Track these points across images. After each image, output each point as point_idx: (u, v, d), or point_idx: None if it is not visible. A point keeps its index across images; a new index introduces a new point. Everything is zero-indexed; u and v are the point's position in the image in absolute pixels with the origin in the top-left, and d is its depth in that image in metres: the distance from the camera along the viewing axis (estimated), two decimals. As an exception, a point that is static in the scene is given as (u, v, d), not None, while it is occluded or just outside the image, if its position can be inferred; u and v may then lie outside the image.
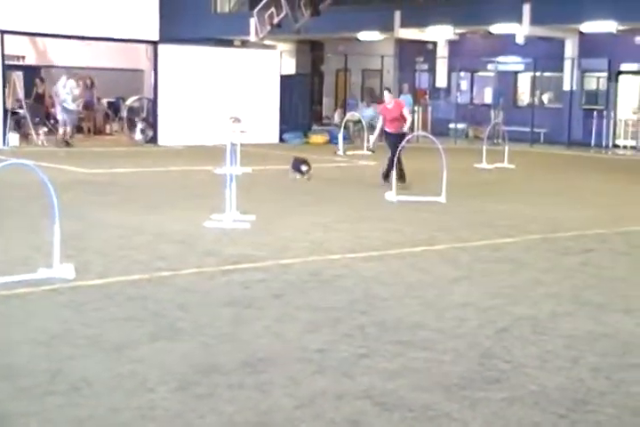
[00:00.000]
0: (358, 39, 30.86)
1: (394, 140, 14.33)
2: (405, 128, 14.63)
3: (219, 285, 7.27)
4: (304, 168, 15.04)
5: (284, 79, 25.74)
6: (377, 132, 15.06)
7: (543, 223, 10.99)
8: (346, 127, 22.84)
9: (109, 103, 27.34)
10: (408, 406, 4.53)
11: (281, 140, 24.97)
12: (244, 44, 30.45)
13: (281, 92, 25.27)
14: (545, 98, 29.05)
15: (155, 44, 23.60)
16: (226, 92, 23.49)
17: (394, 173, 13.13)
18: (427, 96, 30.18)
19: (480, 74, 30.49)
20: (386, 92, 15.22)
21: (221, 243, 9.19)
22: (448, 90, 30.56)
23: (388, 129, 14.67)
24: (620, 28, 25.45)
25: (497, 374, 5.11)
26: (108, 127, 26.73)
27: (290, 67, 32.20)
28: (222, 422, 4.30)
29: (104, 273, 7.57)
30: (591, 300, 7.00)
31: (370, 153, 21.30)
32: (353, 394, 4.69)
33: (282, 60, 26.27)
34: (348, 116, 23.61)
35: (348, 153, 20.99)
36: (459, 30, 28.88)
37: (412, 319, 6.28)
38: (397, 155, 13.53)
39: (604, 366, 5.30)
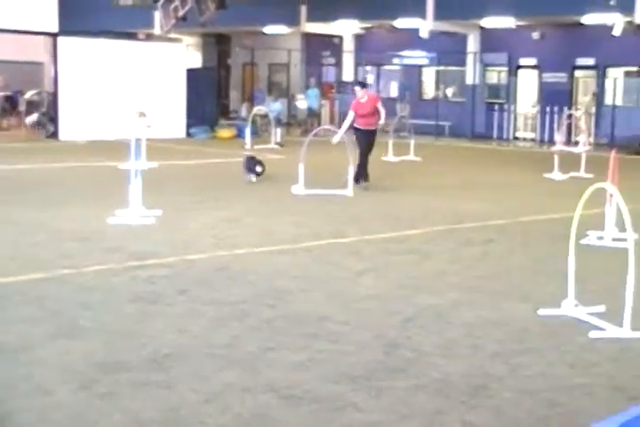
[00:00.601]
0: (265, 33, 30.82)
1: (366, 137, 13.67)
2: (379, 124, 13.92)
3: (123, 281, 7.17)
4: (259, 169, 14.18)
5: (191, 73, 25.50)
6: (344, 127, 13.87)
7: (447, 215, 11.22)
8: (253, 121, 22.78)
9: (6, 97, 26.55)
10: (314, 398, 4.57)
11: (188, 134, 24.74)
12: (149, 37, 30.01)
13: (187, 86, 25.03)
14: (449, 92, 29.63)
15: (54, 36, 23.01)
16: (130, 86, 23.11)
17: (351, 173, 12.94)
18: (333, 90, 30.38)
19: (386, 68, 30.89)
20: (357, 87, 14.20)
21: (126, 239, 9.06)
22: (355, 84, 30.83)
23: (359, 126, 13.72)
24: (519, 23, 26.16)
25: (402, 364, 5.20)
26: (4, 122, 25.96)
27: (196, 60, 31.94)
28: (127, 420, 4.25)
29: (1, 272, 7.36)
30: (492, 288, 7.20)
31: (278, 147, 21.31)
32: (259, 388, 4.70)
33: (188, 53, 26.03)
34: (256, 110, 23.56)
35: (256, 147, 20.94)
36: (364, 24, 29.16)
37: (318, 312, 6.33)
38: (366, 149, 13.25)
39: (503, 352, 5.46)
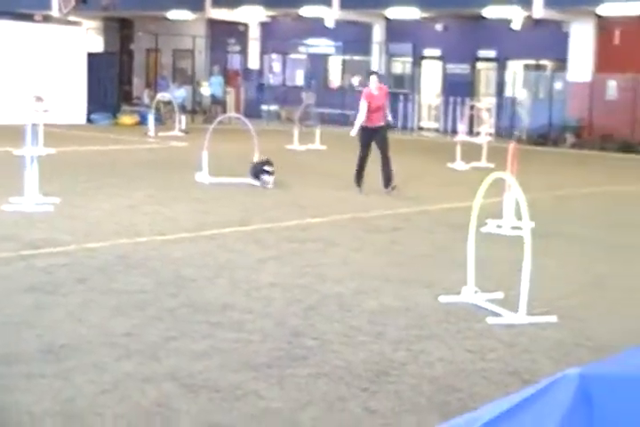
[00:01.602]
0: (169, 18, 30.31)
1: (374, 135, 12.21)
2: (388, 120, 12.71)
3: (17, 270, 6.93)
4: (269, 168, 12.31)
5: (92, 58, 24.85)
6: (359, 119, 12.22)
7: (353, 203, 11.27)
8: (157, 108, 22.40)
9: None
10: (215, 387, 4.52)
11: (88, 120, 24.13)
12: (46, 19, 29.07)
13: (88, 71, 24.38)
14: (355, 81, 29.78)
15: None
16: (27, 70, 22.36)
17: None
18: (239, 78, 30.15)
19: (292, 56, 30.80)
20: (373, 77, 12.55)
21: (21, 227, 8.76)
22: (260, 72, 30.67)
23: (367, 122, 12.17)
24: (423, 14, 26.47)
25: (304, 352, 5.19)
26: None
27: (97, 45, 31.14)
28: (20, 413, 4.11)
29: None
30: (396, 276, 7.27)
31: (182, 134, 21.02)
32: (159, 377, 4.62)
33: (88, 37, 25.35)
34: (159, 96, 23.17)
35: (160, 134, 20.61)
36: (270, 12, 28.99)
37: (221, 300, 6.26)
38: (367, 153, 12.17)
39: (405, 339, 5.52)
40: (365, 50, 27.93)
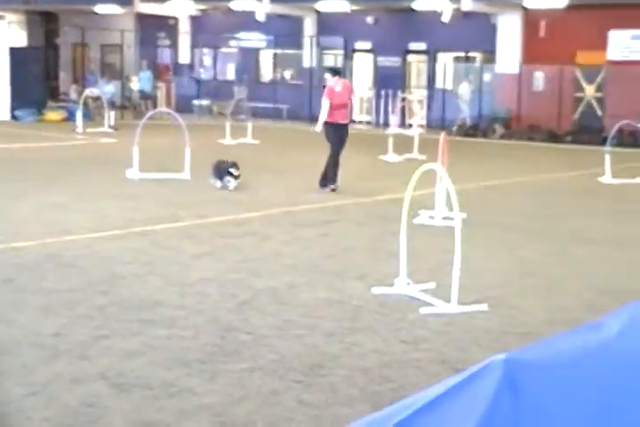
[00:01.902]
0: (96, 12, 29.79)
1: (340, 132, 11.99)
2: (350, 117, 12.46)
3: (-57, 272, 6.75)
4: (235, 172, 11.74)
5: (15, 52, 24.27)
6: (322, 117, 12.01)
7: (285, 197, 11.26)
8: (85, 104, 22.00)
9: None
10: (147, 385, 4.47)
11: (13, 117, 23.58)
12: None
13: (11, 66, 23.80)
14: (286, 74, 29.74)
15: None
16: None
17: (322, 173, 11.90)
18: (170, 72, 29.83)
19: (223, 50, 30.59)
20: (328, 74, 12.37)
21: (-54, 227, 8.54)
22: (191, 66, 30.39)
23: (332, 119, 11.91)
24: (353, 7, 26.56)
25: (237, 346, 5.17)
26: None
27: (21, 39, 30.45)
28: (-55, 418, 4.01)
29: None
30: (328, 269, 7.29)
31: (112, 130, 20.71)
32: (90, 377, 4.55)
33: (10, 31, 24.73)
34: (87, 92, 22.76)
35: (89, 131, 20.26)
36: (200, 6, 28.74)
37: (153, 297, 6.20)
38: (340, 150, 11.91)
39: (338, 331, 5.54)
40: (297, 43, 27.91)
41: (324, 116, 12.00)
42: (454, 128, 23.19)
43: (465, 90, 24.89)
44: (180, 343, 5.20)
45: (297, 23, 27.98)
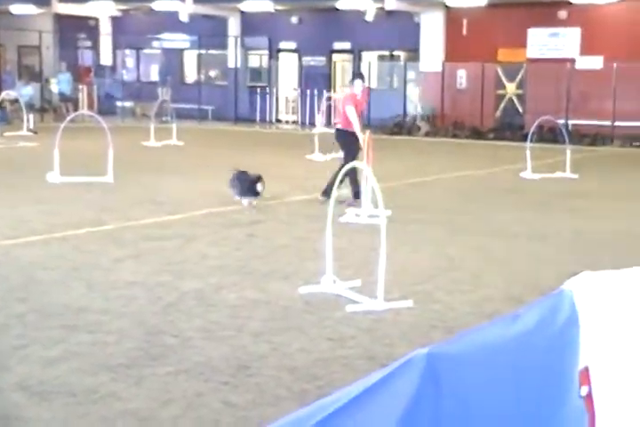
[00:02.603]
0: (12, 13, 29.10)
1: (358, 141, 10.93)
2: None
3: None
4: (260, 188, 10.49)
5: None
6: (357, 124, 10.98)
7: (211, 198, 11.17)
8: (2, 107, 21.47)
9: None
10: (70, 392, 4.39)
11: None
12: None
13: None
14: (211, 75, 29.57)
15: None
16: None
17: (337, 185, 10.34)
18: (91, 74, 29.35)
19: (146, 51, 30.24)
20: (359, 80, 11.31)
21: None
22: (114, 67, 29.96)
23: (349, 126, 11.02)
24: (278, 7, 26.55)
25: (163, 350, 5.11)
26: None
27: None
28: None
29: None
30: (255, 269, 7.26)
31: (31, 134, 20.26)
32: (9, 387, 4.44)
33: None
34: (4, 94, 22.21)
35: (7, 134, 19.77)
36: (121, 6, 28.36)
37: (76, 303, 6.08)
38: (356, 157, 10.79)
39: (265, 331, 5.52)
40: (221, 44, 27.76)
41: (357, 123, 11.01)
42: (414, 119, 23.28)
43: (415, 91, 25.22)
44: (105, 349, 5.11)
45: (221, 23, 27.84)
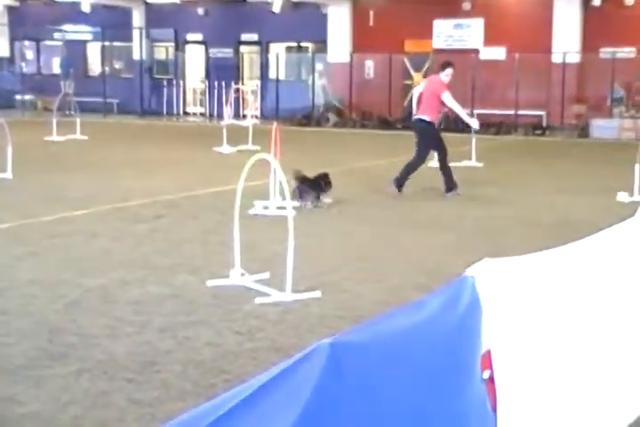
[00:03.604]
0: None
1: (437, 130, 11.45)
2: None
3: None
4: (328, 188, 10.21)
5: None
6: (463, 113, 11.47)
7: (115, 193, 10.94)
8: None
9: None
10: (-34, 397, 4.21)
11: None
12: None
13: None
14: (116, 67, 29.00)
15: None
16: None
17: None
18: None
19: (47, 43, 29.44)
20: (450, 70, 11.17)
21: None
22: (11, 59, 29.05)
23: (435, 117, 11.32)
24: (183, -2, 26.25)
25: (65, 349, 4.97)
26: None
27: None
28: None
29: None
30: (161, 264, 7.13)
31: None
32: None
33: None
34: None
35: None
36: (19, -3, 27.56)
37: (-27, 304, 5.85)
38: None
39: (171, 326, 5.43)
40: (126, 36, 27.25)
41: (460, 107, 11.30)
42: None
43: (323, 81, 25.25)
44: (4, 350, 4.93)
45: (125, 15, 27.33)
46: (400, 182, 11.05)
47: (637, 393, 3.70)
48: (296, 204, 9.47)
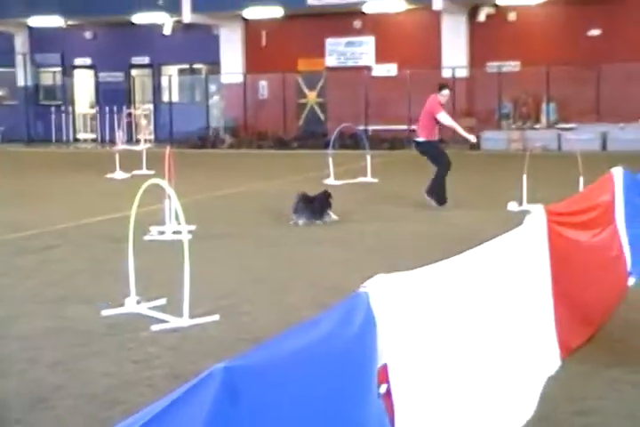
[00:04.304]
0: None
1: (440, 147, 11.89)
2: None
3: None
4: (326, 207, 10.42)
5: None
6: (460, 130, 11.68)
7: (1, 226, 10.50)
8: None
9: None
10: None
11: None
12: None
13: None
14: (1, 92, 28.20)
15: None
16: None
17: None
18: None
19: None
20: (447, 91, 11.61)
21: None
22: None
23: (437, 136, 11.72)
24: (70, 22, 25.71)
25: (-53, 392, 4.70)
26: None
27: None
28: None
29: None
30: (51, 296, 6.88)
31: None
32: None
33: None
34: None
35: None
36: None
37: None
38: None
39: (64, 360, 5.23)
40: (9, 61, 26.53)
41: (456, 124, 11.65)
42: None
43: (216, 101, 25.14)
44: None
45: (7, 40, 26.61)
46: (440, 197, 11.34)
47: (525, 399, 3.74)
48: (301, 220, 10.08)
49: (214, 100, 25.30)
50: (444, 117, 11.41)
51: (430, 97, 11.73)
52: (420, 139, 11.58)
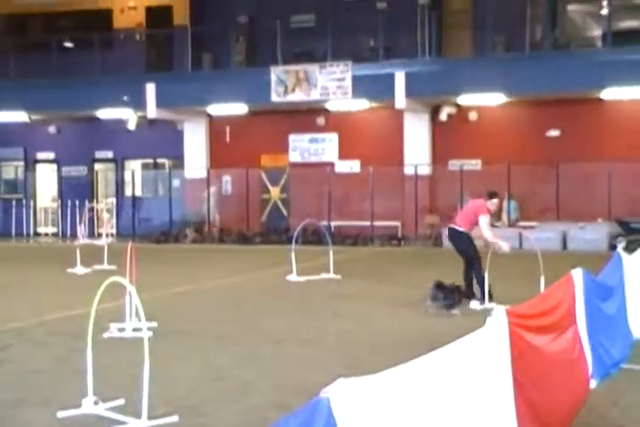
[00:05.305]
0: None
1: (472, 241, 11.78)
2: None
3: None
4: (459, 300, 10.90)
5: None
6: (491, 236, 11.62)
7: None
8: None
9: None
10: None
11: None
12: None
13: None
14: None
15: None
16: None
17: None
18: None
19: None
20: (496, 200, 11.90)
21: None
22: None
23: (468, 229, 11.67)
24: (33, 117, 25.96)
25: None
26: None
27: None
28: None
29: None
30: (5, 398, 6.65)
31: None
32: None
33: None
34: None
35: None
36: None
37: None
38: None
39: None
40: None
41: (491, 234, 11.62)
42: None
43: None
44: None
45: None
46: (483, 294, 11.06)
47: None
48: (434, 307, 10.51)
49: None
50: (484, 221, 11.44)
51: (478, 200, 11.94)
52: (461, 229, 11.61)
